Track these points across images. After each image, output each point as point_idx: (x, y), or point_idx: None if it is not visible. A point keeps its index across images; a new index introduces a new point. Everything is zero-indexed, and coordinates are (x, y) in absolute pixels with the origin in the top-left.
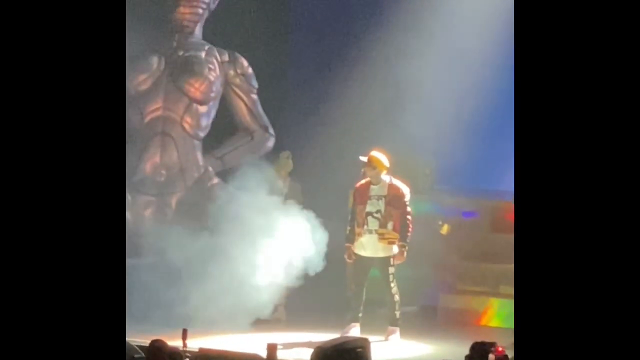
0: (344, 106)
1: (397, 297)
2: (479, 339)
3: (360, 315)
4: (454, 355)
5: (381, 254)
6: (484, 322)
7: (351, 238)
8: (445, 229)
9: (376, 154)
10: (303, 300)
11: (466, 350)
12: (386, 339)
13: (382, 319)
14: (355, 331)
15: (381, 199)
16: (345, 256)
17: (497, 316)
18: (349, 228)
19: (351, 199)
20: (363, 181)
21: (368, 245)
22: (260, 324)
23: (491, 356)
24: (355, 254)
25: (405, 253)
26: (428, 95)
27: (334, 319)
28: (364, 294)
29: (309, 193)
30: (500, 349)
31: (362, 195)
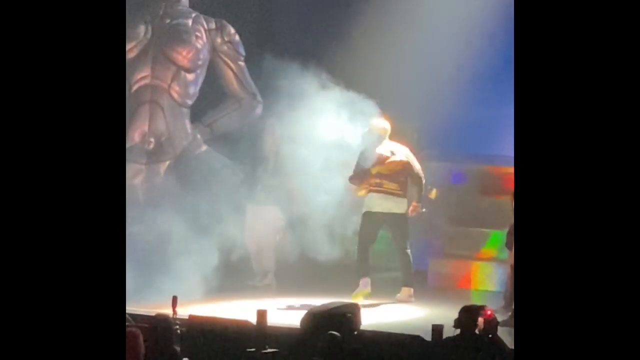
0: (333, 71)
1: (411, 257)
2: (469, 303)
3: (367, 269)
4: (444, 319)
5: (395, 210)
6: (473, 286)
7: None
8: (433, 194)
9: (376, 120)
10: (293, 266)
11: (456, 314)
12: (400, 301)
13: (394, 281)
14: (365, 283)
15: (385, 163)
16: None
17: (487, 280)
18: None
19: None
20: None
21: (381, 205)
22: (250, 290)
23: (480, 319)
24: (367, 212)
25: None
26: (416, 58)
27: (323, 285)
28: (369, 253)
29: (298, 159)
30: (489, 312)
31: (371, 157)
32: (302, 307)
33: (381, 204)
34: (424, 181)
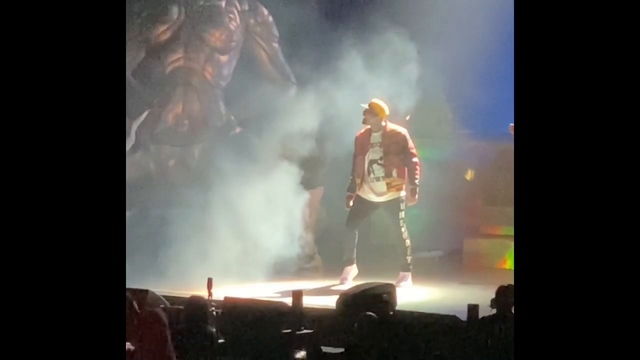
0: (364, 53)
1: (407, 242)
2: (505, 283)
3: (354, 256)
4: (480, 298)
5: (389, 198)
6: (509, 265)
7: (352, 187)
8: (469, 174)
9: (377, 100)
10: (337, 249)
11: (492, 294)
12: (397, 285)
13: (393, 264)
14: (352, 273)
15: (383, 146)
16: (345, 205)
17: None
18: (351, 178)
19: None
20: (363, 129)
21: (375, 191)
22: (298, 272)
23: None
24: (359, 197)
25: (416, 195)
26: (448, 38)
27: (368, 267)
28: (357, 236)
29: (333, 142)
30: None
31: (363, 143)
32: (338, 287)
33: (383, 194)
34: (416, 161)
